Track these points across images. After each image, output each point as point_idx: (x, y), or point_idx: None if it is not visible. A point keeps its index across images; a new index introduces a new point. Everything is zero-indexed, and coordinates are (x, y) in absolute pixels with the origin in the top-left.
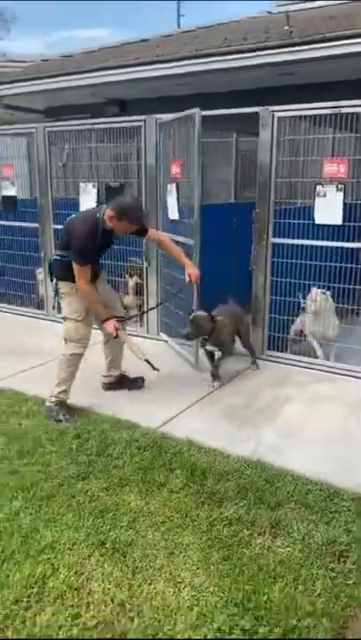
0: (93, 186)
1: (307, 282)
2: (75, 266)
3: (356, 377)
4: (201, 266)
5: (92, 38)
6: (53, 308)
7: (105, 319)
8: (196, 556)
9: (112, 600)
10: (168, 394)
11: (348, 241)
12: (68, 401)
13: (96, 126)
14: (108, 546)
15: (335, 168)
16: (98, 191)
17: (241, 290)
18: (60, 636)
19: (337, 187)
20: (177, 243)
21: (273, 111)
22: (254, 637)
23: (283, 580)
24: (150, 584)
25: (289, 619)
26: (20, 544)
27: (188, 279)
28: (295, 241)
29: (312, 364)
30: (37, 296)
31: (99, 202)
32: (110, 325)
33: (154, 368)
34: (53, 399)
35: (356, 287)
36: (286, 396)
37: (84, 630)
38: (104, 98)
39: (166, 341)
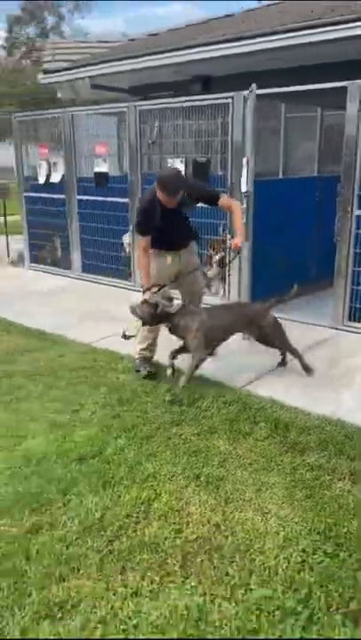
0: (181, 161)
1: None
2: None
3: None
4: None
5: (167, 15)
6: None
7: (146, 288)
8: (281, 493)
9: (208, 521)
10: (248, 359)
11: None
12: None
13: (186, 104)
14: (202, 479)
15: None
16: (185, 166)
17: (322, 262)
18: (166, 545)
19: None
20: None
21: None
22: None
23: None
24: (241, 512)
25: None
26: (126, 473)
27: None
28: None
29: None
30: (128, 266)
31: (186, 177)
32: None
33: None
34: (137, 355)
35: None
36: None
37: (185, 542)
38: (189, 75)
39: None
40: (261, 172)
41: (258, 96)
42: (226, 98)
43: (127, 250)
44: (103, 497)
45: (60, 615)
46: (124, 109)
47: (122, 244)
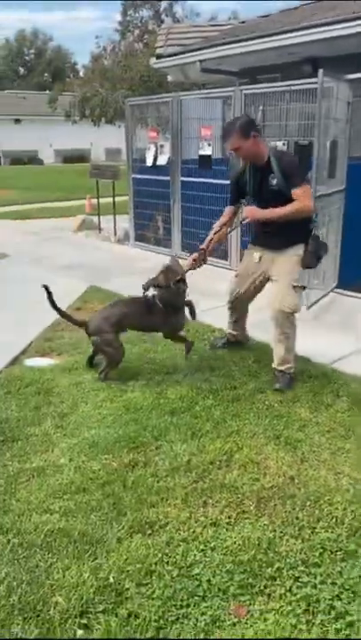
0: (283, 144)
1: None
2: None
3: None
4: None
5: None
6: None
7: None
8: (356, 459)
9: (284, 474)
10: (334, 336)
11: None
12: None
13: (293, 87)
14: (281, 439)
15: None
16: (287, 149)
17: None
18: (244, 489)
19: None
20: None
21: None
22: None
23: None
24: (315, 470)
25: None
26: (212, 427)
27: None
28: None
29: None
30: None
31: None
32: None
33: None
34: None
35: None
36: None
37: (261, 489)
38: (298, 57)
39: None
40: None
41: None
42: (329, 82)
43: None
44: (190, 445)
45: (149, 532)
46: (231, 94)
47: None
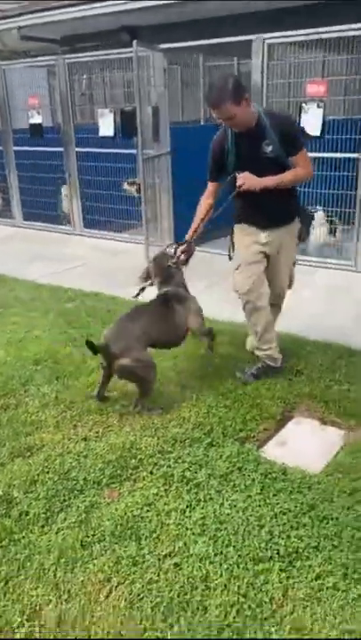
0: (110, 111)
1: None
2: None
3: None
4: None
5: None
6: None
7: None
8: (200, 374)
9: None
10: None
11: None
12: None
13: (111, 56)
14: None
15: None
16: (114, 115)
17: None
18: (109, 410)
19: (318, 104)
20: None
21: (265, 39)
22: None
23: (253, 384)
24: (166, 387)
25: (254, 400)
26: (74, 369)
27: None
28: None
29: None
30: (62, 212)
31: (115, 126)
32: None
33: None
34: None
35: None
36: None
37: (123, 408)
38: (115, 25)
39: None
40: (186, 121)
41: (173, 48)
42: (144, 51)
43: (64, 204)
44: (56, 385)
45: (28, 454)
46: (53, 62)
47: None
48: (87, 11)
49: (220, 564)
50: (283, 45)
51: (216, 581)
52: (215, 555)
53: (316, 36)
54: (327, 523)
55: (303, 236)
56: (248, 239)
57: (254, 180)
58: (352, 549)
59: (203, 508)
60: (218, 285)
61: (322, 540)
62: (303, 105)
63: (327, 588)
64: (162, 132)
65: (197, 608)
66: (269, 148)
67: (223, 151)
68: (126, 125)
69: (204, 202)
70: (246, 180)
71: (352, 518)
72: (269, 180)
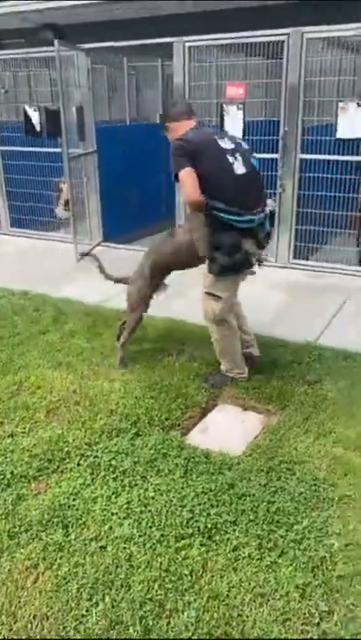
0: (34, 110)
1: None
2: None
3: None
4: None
5: None
6: None
7: None
8: (128, 366)
9: (67, 389)
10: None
11: None
12: None
13: (31, 55)
14: (63, 365)
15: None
16: (39, 114)
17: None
18: (35, 405)
19: (237, 106)
20: None
21: (185, 41)
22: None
23: (180, 374)
24: (93, 381)
25: (179, 390)
26: (1, 367)
27: None
28: None
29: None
30: None
31: (41, 124)
32: None
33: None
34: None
35: None
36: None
37: (50, 402)
38: (37, 23)
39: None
40: (113, 120)
41: (97, 48)
42: (69, 50)
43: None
44: None
45: None
46: None
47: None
48: (8, 8)
49: (144, 544)
50: (204, 48)
51: (139, 560)
52: (139, 536)
53: (236, 40)
54: (245, 499)
55: None
56: None
57: None
58: (267, 522)
59: (128, 494)
60: None
61: (239, 515)
62: (224, 106)
63: (243, 558)
64: (87, 131)
65: (121, 585)
66: None
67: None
68: (51, 124)
69: None
70: None
71: (268, 494)
72: None
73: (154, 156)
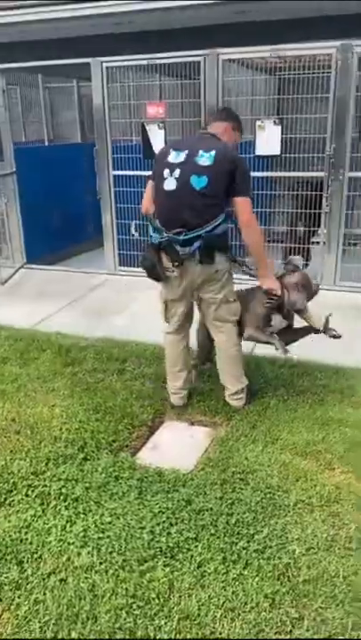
0: None
1: None
2: (247, 201)
3: None
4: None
5: None
6: None
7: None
8: (66, 392)
9: (6, 419)
10: (33, 303)
11: None
12: None
13: None
14: None
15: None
16: None
17: (98, 221)
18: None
19: (158, 125)
20: None
21: (103, 62)
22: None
23: (124, 394)
24: (32, 409)
25: (124, 410)
26: None
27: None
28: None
29: None
30: None
31: None
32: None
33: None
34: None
35: None
36: (134, 297)
37: None
38: None
39: None
40: (29, 141)
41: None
42: None
43: None
44: None
45: None
46: None
47: None
48: None
49: (106, 571)
50: (122, 69)
51: (103, 588)
52: (100, 563)
53: (153, 61)
54: (203, 514)
55: None
56: None
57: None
58: (228, 534)
59: (83, 521)
60: (79, 302)
61: (200, 530)
62: (146, 125)
63: (209, 574)
64: (5, 152)
65: (87, 618)
66: None
67: None
68: None
69: None
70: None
71: (225, 506)
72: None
73: (77, 176)
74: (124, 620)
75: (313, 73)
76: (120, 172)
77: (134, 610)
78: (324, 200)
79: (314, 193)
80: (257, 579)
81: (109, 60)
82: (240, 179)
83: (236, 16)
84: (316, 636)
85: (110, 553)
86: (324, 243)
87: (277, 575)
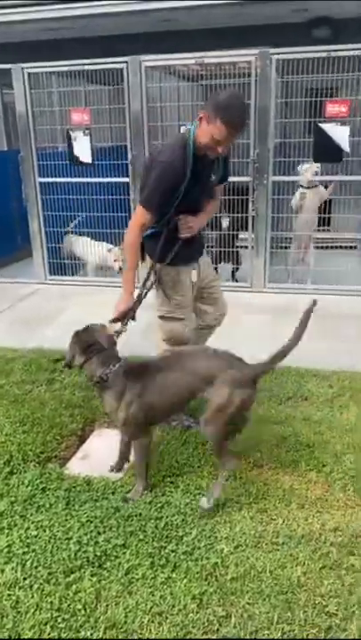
0: None
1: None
2: (139, 207)
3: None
4: None
5: None
6: None
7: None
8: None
9: None
10: None
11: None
12: None
13: None
14: None
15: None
16: None
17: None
18: None
19: (84, 132)
20: None
21: (24, 68)
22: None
23: (53, 404)
24: None
25: (53, 420)
26: None
27: None
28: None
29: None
30: None
31: None
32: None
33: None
34: None
35: None
36: (64, 306)
37: None
38: None
39: None
40: None
41: None
42: None
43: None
44: None
45: None
46: None
47: None
48: None
49: (31, 586)
50: (45, 75)
51: (27, 604)
52: (24, 578)
53: (75, 68)
54: (132, 520)
55: None
56: (187, 281)
57: (198, 222)
58: (157, 539)
59: (8, 536)
60: (5, 313)
61: (128, 536)
62: (71, 132)
63: (137, 580)
64: None
65: (10, 636)
66: (214, 175)
67: (184, 179)
68: None
69: (138, 241)
70: (194, 224)
71: (154, 511)
72: (204, 218)
73: (2, 185)
74: (48, 634)
75: (235, 79)
76: (47, 180)
77: (59, 623)
78: (250, 204)
79: (240, 197)
80: (185, 581)
81: (31, 67)
82: (140, 185)
83: (161, 24)
84: (242, 633)
85: (35, 567)
86: (252, 247)
87: (205, 575)
